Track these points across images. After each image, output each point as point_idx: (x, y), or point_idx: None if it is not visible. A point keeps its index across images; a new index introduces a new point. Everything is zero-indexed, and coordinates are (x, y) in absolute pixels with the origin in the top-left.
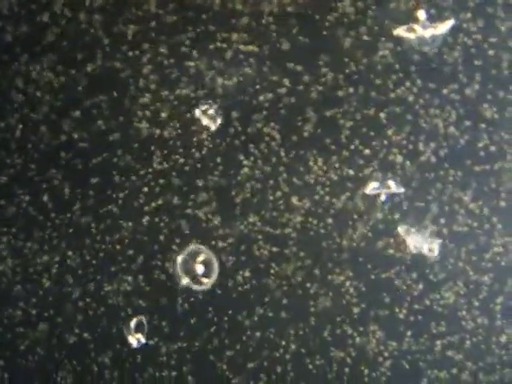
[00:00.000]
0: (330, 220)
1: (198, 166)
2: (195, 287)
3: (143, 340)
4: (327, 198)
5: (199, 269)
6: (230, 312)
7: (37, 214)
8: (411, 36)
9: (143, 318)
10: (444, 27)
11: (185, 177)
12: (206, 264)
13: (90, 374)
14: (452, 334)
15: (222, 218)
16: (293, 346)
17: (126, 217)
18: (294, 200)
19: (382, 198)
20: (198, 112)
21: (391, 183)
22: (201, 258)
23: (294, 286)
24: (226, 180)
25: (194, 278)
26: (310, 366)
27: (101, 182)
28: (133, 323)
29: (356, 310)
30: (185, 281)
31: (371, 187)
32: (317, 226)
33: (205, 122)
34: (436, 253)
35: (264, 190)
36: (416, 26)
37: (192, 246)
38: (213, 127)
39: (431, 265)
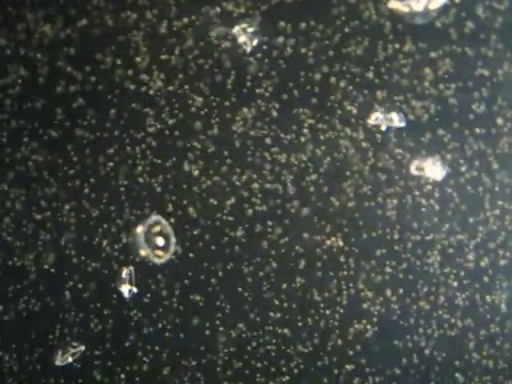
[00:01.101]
0: (322, 178)
1: (193, 125)
2: (155, 260)
3: (135, 290)
4: (319, 154)
5: (159, 241)
6: (226, 268)
7: (33, 172)
8: (405, 9)
9: (132, 270)
10: (437, 2)
11: (178, 137)
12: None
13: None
14: (440, 294)
15: (216, 176)
16: (285, 304)
17: (121, 175)
18: (287, 158)
19: (383, 127)
20: (236, 29)
21: (394, 116)
22: (157, 228)
23: (286, 244)
24: (219, 139)
25: (153, 250)
26: (300, 324)
27: (95, 142)
28: (124, 273)
29: (346, 268)
30: (144, 252)
31: (374, 117)
32: (309, 183)
33: (241, 39)
34: (441, 176)
35: (257, 148)
36: (411, 2)
37: (153, 218)
38: (248, 48)
39: (420, 226)
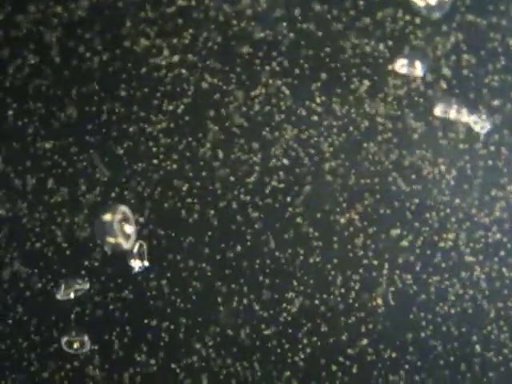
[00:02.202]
0: (337, 153)
1: (206, 105)
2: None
3: (146, 264)
4: (334, 129)
5: (128, 229)
6: (245, 245)
7: (47, 154)
8: (421, 3)
9: (143, 244)
10: None
11: (192, 117)
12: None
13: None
14: (456, 268)
15: (230, 154)
16: (301, 281)
17: (136, 156)
18: (302, 134)
19: (403, 70)
20: None
21: (418, 64)
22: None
23: (303, 220)
24: (233, 117)
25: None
26: (316, 300)
27: (109, 123)
28: (135, 249)
29: (361, 244)
30: (112, 240)
31: (400, 63)
32: (324, 159)
33: None
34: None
35: (271, 125)
36: None
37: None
38: None
39: (437, 200)
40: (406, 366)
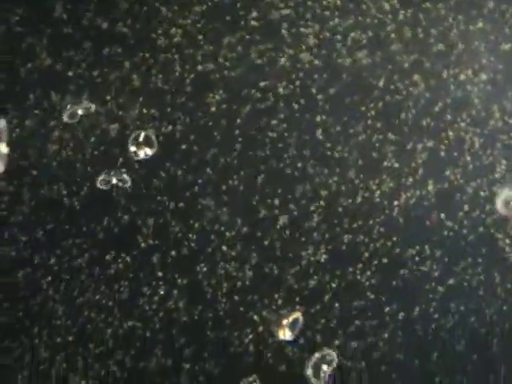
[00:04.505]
0: (359, 55)
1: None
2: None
3: (149, 152)
4: (354, 33)
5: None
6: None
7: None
8: None
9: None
10: None
11: (207, 30)
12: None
13: None
14: (476, 172)
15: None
16: (324, 185)
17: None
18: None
19: None
20: None
21: None
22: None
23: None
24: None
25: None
26: (340, 208)
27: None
28: (142, 136)
29: (380, 151)
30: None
31: None
32: (339, 58)
33: None
34: None
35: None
36: None
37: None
38: None
39: (456, 108)
40: (427, 264)
